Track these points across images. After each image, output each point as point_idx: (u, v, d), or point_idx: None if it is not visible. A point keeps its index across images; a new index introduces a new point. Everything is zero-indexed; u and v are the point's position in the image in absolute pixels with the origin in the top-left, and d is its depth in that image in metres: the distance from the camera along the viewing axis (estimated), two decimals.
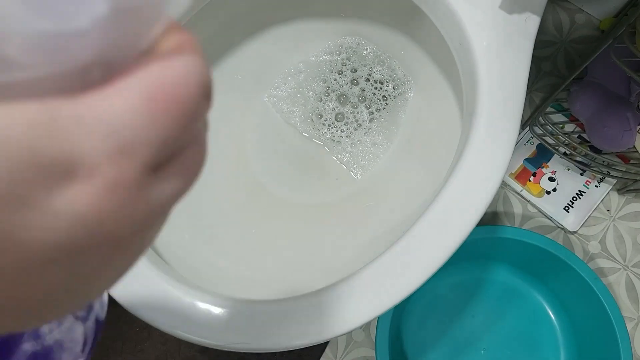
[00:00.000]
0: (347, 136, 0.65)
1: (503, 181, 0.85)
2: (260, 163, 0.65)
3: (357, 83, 0.67)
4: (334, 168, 0.65)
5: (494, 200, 0.86)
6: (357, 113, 0.66)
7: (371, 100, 0.66)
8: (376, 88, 0.66)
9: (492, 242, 0.75)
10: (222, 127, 0.64)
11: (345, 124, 0.66)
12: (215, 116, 0.64)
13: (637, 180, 0.82)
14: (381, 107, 0.66)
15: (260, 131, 0.66)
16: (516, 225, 0.85)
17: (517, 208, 0.86)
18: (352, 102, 0.66)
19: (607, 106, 0.78)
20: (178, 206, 0.45)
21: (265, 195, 0.62)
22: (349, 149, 0.65)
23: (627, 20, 0.58)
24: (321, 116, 0.66)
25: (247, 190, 0.62)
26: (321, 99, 0.66)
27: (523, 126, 0.87)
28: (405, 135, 0.64)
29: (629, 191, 0.86)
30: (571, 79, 0.72)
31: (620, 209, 0.86)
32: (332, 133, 0.66)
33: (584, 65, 0.67)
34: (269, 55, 0.66)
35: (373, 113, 0.66)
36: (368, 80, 0.67)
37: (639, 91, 0.77)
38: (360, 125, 0.66)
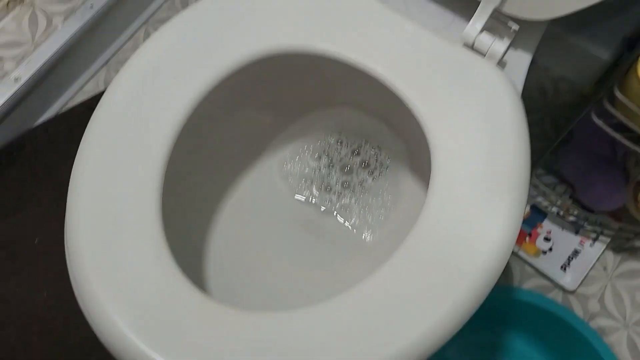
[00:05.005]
0: (355, 202, 0.68)
1: None
2: (269, 233, 0.67)
3: (358, 153, 0.70)
4: (344, 232, 0.67)
5: None
6: (362, 179, 0.69)
7: (374, 167, 0.69)
8: (376, 154, 0.69)
9: (491, 303, 0.76)
10: (227, 198, 0.67)
11: (352, 191, 0.69)
12: (217, 188, 0.67)
13: (630, 238, 0.84)
14: (383, 171, 0.69)
15: (266, 202, 0.69)
16: (515, 285, 0.86)
17: (515, 268, 0.87)
18: (356, 170, 0.69)
19: (594, 167, 0.81)
20: (188, 274, 0.46)
21: (277, 264, 0.64)
22: (358, 212, 0.67)
23: (606, 85, 0.61)
24: (329, 187, 0.69)
25: (258, 259, 0.64)
26: (326, 169, 0.69)
27: None
28: (411, 195, 0.66)
29: (623, 249, 0.87)
30: (557, 142, 0.76)
31: (616, 268, 0.87)
32: (341, 200, 0.68)
33: (568, 129, 0.71)
34: (270, 128, 0.70)
35: (376, 178, 0.69)
36: (366, 147, 0.70)
37: (625, 151, 0.80)
38: (367, 190, 0.69)
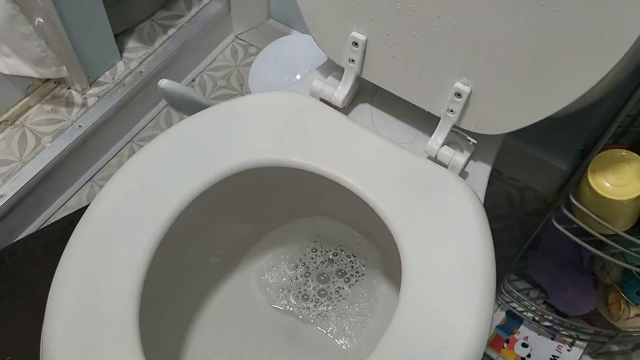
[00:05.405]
0: (332, 309, 0.69)
1: None
2: (247, 342, 0.67)
3: (332, 261, 0.72)
4: (323, 340, 0.68)
5: None
6: (338, 287, 0.71)
7: (350, 275, 0.71)
8: (351, 261, 0.72)
9: None
10: (206, 307, 0.67)
11: (329, 299, 0.70)
12: (196, 298, 0.68)
13: (605, 342, 0.85)
14: (359, 278, 0.71)
15: (244, 312, 0.70)
16: None
17: None
18: (332, 278, 0.71)
19: (564, 272, 0.84)
20: None
21: None
22: (335, 320, 0.68)
23: (565, 192, 0.66)
24: (306, 295, 0.70)
25: None
26: (302, 278, 0.71)
27: None
28: (386, 301, 0.68)
29: (600, 354, 0.88)
30: (523, 249, 0.79)
31: None
32: (318, 308, 0.69)
33: (533, 236, 0.74)
34: (248, 237, 0.72)
35: (353, 285, 0.71)
36: (341, 255, 0.72)
37: (591, 256, 0.83)
38: (344, 298, 0.70)
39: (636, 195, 0.56)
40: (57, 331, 0.49)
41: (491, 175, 1.04)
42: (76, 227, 0.55)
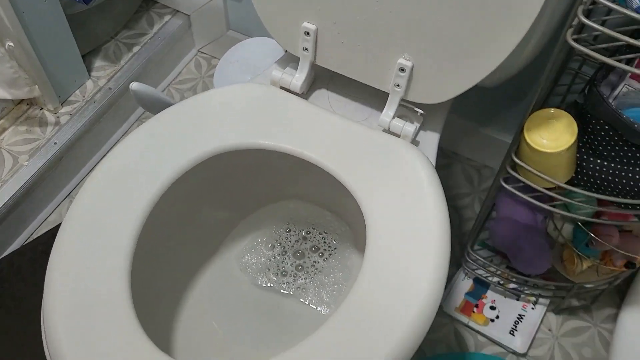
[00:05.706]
0: (310, 282, 0.75)
1: (450, 316, 0.93)
2: (237, 321, 0.72)
3: (306, 238, 0.78)
4: (304, 310, 0.73)
5: (446, 336, 0.93)
6: (314, 261, 0.76)
7: (324, 249, 0.77)
8: (323, 238, 0.77)
9: None
10: (191, 292, 0.72)
11: (306, 272, 0.76)
12: (181, 283, 0.72)
13: (564, 297, 0.92)
14: (332, 252, 0.76)
15: (228, 292, 0.74)
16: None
17: (469, 340, 0.93)
18: (307, 254, 0.77)
19: (519, 235, 0.90)
20: None
21: (242, 349, 0.68)
22: (314, 291, 0.74)
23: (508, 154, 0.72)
24: (284, 271, 0.76)
25: (226, 348, 0.68)
26: (280, 257, 0.77)
27: (457, 265, 0.98)
28: (358, 269, 0.73)
29: (562, 310, 0.94)
30: (479, 217, 0.85)
31: (560, 327, 0.94)
32: (297, 282, 0.75)
33: (485, 200, 0.81)
34: (225, 224, 0.77)
35: (327, 259, 0.76)
36: (314, 232, 0.78)
37: (544, 217, 0.90)
38: (320, 271, 0.76)
39: (567, 145, 0.64)
40: (58, 326, 0.52)
41: (450, 157, 1.11)
42: (60, 227, 0.59)
